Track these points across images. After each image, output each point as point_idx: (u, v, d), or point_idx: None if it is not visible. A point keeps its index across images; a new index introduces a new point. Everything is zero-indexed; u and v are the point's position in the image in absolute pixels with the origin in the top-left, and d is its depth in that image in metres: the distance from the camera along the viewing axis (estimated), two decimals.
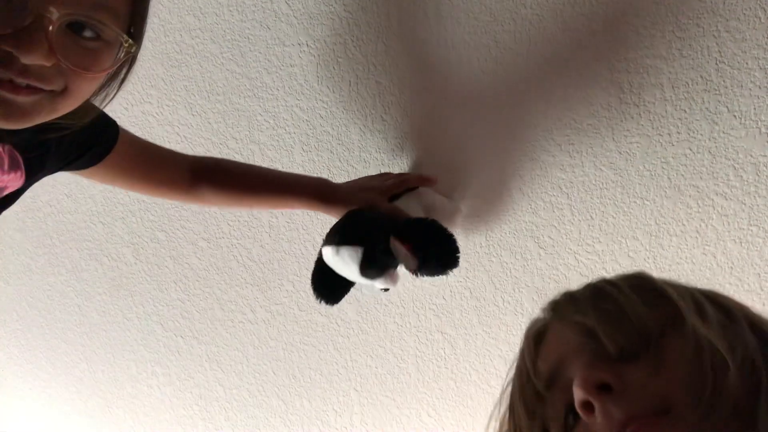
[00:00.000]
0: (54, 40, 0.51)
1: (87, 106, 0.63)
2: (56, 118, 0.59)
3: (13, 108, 0.53)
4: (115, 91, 0.65)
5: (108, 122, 0.85)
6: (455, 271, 1.01)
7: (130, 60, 0.62)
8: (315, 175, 1.11)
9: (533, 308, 1.11)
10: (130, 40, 0.57)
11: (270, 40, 1.05)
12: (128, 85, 1.16)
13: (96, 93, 0.63)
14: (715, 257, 1.02)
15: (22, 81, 0.52)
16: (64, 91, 0.55)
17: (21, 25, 0.50)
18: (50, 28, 0.50)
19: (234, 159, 1.14)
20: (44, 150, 0.74)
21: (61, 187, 1.32)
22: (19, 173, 0.70)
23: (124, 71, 0.64)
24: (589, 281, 0.57)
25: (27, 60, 0.50)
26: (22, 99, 0.53)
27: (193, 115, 1.14)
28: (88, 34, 0.54)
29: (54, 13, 0.50)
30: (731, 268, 0.98)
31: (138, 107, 1.18)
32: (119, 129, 0.86)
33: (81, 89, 0.57)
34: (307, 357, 1.29)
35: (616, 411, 0.44)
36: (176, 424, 1.50)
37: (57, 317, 1.46)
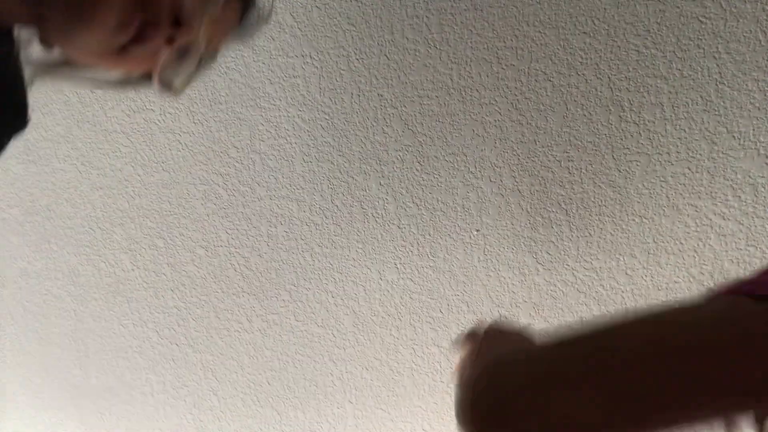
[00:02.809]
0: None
1: None
2: None
3: None
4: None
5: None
6: (453, 284, 1.01)
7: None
8: (315, 184, 1.11)
9: (530, 323, 1.11)
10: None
11: (274, 50, 1.06)
12: (130, 92, 1.17)
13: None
14: (712, 276, 1.02)
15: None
16: None
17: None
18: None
19: (234, 167, 1.14)
20: None
21: (60, 192, 1.32)
22: None
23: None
24: None
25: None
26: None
27: (195, 123, 1.14)
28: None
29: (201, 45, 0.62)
30: None
31: (140, 114, 1.18)
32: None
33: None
34: (303, 368, 1.29)
35: None
36: None
37: (52, 322, 1.45)
